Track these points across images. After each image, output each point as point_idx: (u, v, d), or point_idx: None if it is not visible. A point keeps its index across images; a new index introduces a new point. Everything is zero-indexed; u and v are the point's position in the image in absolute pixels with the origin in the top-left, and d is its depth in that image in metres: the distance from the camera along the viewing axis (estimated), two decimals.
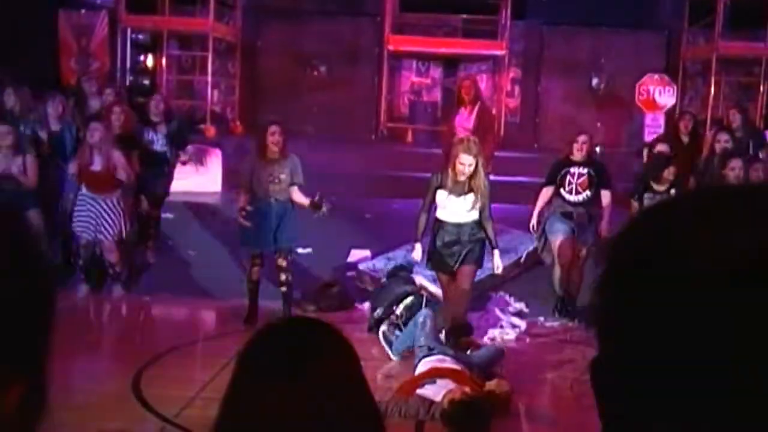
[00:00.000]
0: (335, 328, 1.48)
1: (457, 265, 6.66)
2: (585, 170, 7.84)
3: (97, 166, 7.82)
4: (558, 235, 7.75)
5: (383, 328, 6.88)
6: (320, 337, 1.44)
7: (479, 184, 6.55)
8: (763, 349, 0.59)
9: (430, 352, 6.03)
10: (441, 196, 6.64)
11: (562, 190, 7.87)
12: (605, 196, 7.86)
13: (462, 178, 6.55)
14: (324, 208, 7.08)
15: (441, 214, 6.69)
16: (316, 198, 7.08)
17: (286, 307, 7.26)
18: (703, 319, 0.60)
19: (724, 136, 8.65)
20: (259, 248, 7.23)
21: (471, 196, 6.58)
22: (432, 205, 6.72)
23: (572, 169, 7.86)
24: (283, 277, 7.25)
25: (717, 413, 0.60)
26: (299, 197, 7.18)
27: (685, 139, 9.53)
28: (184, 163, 9.21)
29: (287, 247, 7.27)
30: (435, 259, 6.75)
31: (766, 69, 13.16)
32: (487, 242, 6.77)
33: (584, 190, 7.83)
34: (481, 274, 7.12)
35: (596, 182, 7.83)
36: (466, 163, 6.50)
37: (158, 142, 8.69)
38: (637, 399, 0.64)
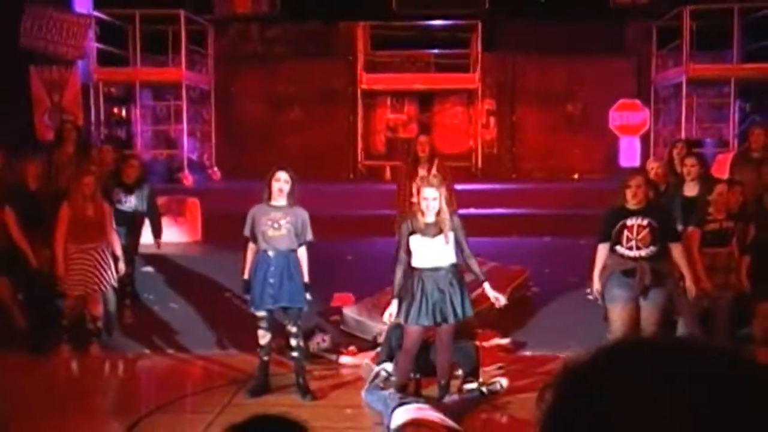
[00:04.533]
0: (301, 426, 1.45)
1: (438, 320, 6.16)
2: (645, 221, 6.57)
3: (89, 212, 7.82)
4: (616, 304, 6.61)
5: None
6: None
7: (445, 219, 6.15)
8: None
9: (403, 400, 5.90)
10: (415, 241, 6.17)
11: (619, 248, 6.61)
12: (676, 250, 6.69)
13: (431, 218, 6.16)
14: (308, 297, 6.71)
15: (417, 262, 6.20)
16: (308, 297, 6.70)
17: (300, 378, 6.63)
18: None
19: (690, 161, 8.44)
20: (259, 308, 6.57)
21: (444, 235, 6.15)
22: (409, 255, 6.21)
23: (629, 221, 6.59)
24: (293, 342, 6.62)
25: None
26: (303, 259, 6.65)
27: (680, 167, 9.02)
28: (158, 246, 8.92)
29: (295, 310, 6.61)
30: (414, 313, 6.14)
31: (735, 88, 13.31)
32: (476, 278, 6.39)
33: (647, 246, 6.57)
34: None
35: (661, 235, 6.61)
36: (429, 197, 6.13)
37: (128, 203, 8.58)
38: None
